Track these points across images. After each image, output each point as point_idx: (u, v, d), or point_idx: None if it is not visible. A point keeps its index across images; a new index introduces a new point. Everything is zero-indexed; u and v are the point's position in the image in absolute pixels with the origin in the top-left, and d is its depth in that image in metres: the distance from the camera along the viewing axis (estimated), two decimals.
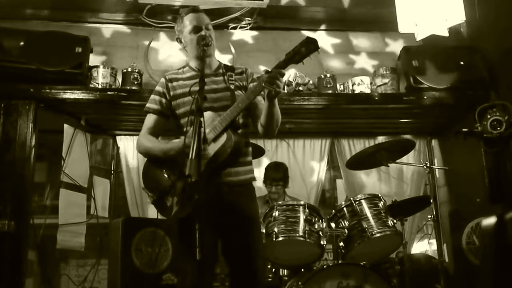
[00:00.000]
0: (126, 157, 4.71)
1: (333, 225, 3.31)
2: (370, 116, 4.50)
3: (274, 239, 3.11)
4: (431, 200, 3.87)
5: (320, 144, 4.96)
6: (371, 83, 4.28)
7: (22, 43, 3.76)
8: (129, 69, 4.06)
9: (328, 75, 4.22)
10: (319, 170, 4.89)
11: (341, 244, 3.24)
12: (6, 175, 3.61)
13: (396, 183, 4.93)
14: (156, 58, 4.46)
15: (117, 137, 4.77)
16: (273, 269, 3.48)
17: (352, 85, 4.27)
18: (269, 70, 2.29)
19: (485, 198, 3.91)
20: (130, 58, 4.34)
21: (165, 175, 2.35)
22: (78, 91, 3.89)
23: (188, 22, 2.54)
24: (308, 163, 4.92)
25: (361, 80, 4.25)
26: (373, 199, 3.36)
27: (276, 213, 3.20)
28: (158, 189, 2.34)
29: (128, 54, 4.47)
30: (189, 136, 1.98)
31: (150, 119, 2.52)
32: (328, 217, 3.37)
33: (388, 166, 3.93)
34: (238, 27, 4.71)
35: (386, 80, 4.23)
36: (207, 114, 2.26)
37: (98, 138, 4.74)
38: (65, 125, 4.16)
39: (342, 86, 4.29)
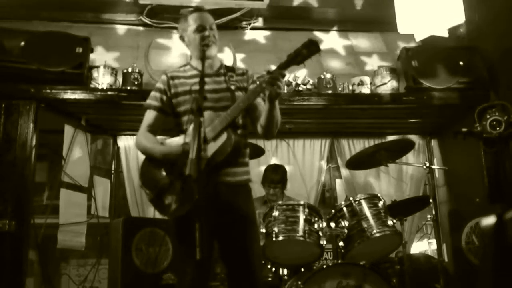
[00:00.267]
0: (127, 157, 4.71)
1: (333, 225, 3.31)
2: (370, 116, 4.50)
3: (274, 239, 3.11)
4: (431, 200, 3.88)
5: (320, 144, 4.97)
6: (371, 83, 4.29)
7: (22, 43, 3.76)
8: (130, 69, 4.07)
9: (328, 75, 4.23)
10: (319, 170, 4.90)
11: (341, 244, 3.24)
12: (7, 175, 3.61)
13: (396, 183, 4.93)
14: (156, 58, 4.47)
15: (117, 137, 4.78)
16: (273, 269, 3.48)
17: (352, 85, 4.28)
18: (271, 71, 2.30)
19: (485, 198, 3.93)
20: (130, 58, 4.35)
21: (164, 173, 2.34)
22: (78, 91, 3.89)
23: (192, 21, 2.54)
24: (308, 163, 4.93)
25: (361, 80, 4.26)
26: (372, 199, 3.36)
27: (276, 213, 3.20)
28: (156, 187, 2.33)
29: (129, 54, 4.47)
30: (189, 135, 1.99)
31: (150, 116, 2.52)
32: (328, 217, 3.37)
33: (388, 166, 3.94)
34: (249, 27, 4.74)
35: (385, 80, 4.24)
36: (207, 114, 2.26)
37: (99, 138, 4.74)
38: (66, 125, 4.16)
39: (342, 86, 4.30)
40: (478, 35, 4.23)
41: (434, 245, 4.83)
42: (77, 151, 4.23)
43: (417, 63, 4.12)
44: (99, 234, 4.43)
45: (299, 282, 3.05)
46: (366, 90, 4.23)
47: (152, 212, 3.96)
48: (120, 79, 4.10)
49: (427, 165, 3.80)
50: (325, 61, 4.65)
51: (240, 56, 4.50)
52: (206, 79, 2.33)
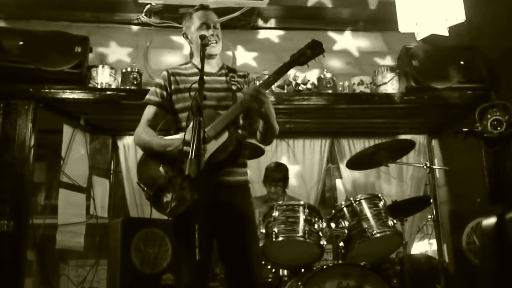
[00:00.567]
0: (126, 157, 4.70)
1: (333, 225, 3.30)
2: (370, 116, 4.49)
3: (274, 239, 3.10)
4: (431, 200, 3.87)
5: (320, 144, 4.96)
6: (371, 83, 4.28)
7: (21, 42, 3.75)
8: (129, 69, 4.06)
9: (328, 75, 4.22)
10: (319, 170, 4.89)
11: (341, 244, 3.23)
12: (5, 175, 3.59)
13: (396, 183, 4.92)
14: (156, 58, 4.46)
15: (116, 137, 4.77)
16: (273, 269, 3.47)
17: (352, 85, 4.26)
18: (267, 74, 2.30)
19: (485, 198, 3.91)
20: (129, 58, 4.34)
21: (162, 171, 2.31)
22: (77, 91, 3.88)
23: (197, 19, 2.54)
24: (308, 163, 4.91)
25: (361, 80, 4.24)
26: (373, 199, 3.35)
27: (276, 213, 3.19)
28: (154, 185, 2.30)
29: (128, 53, 4.47)
30: (188, 131, 1.98)
31: (149, 111, 2.51)
32: (328, 217, 3.36)
33: (388, 166, 3.92)
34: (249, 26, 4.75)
35: (386, 80, 4.23)
36: (208, 112, 2.24)
37: (98, 138, 4.73)
38: (64, 125, 4.15)
39: (342, 86, 4.29)
40: (478, 35, 4.22)
41: (434, 246, 4.81)
42: (76, 151, 4.21)
43: (417, 62, 4.11)
44: (98, 234, 4.42)
45: (299, 283, 3.04)
46: (366, 90, 4.22)
47: (148, 212, 3.97)
48: (119, 79, 4.09)
49: (428, 165, 3.79)
50: (325, 60, 4.64)
51: (252, 54, 4.53)
52: (208, 78, 2.32)
